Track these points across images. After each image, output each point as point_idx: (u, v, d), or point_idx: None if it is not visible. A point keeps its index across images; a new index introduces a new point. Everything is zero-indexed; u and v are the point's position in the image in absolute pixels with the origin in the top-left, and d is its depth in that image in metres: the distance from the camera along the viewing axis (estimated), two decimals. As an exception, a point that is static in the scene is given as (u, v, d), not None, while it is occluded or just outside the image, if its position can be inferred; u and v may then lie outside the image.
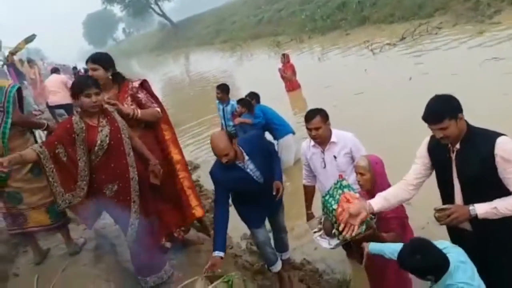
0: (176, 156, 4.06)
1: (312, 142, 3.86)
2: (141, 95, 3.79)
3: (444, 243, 2.66)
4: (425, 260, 2.43)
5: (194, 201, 4.07)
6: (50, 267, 3.65)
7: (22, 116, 3.54)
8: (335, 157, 3.79)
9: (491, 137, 2.59)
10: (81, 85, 3.25)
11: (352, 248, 3.89)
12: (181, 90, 22.37)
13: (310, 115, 3.72)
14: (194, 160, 9.02)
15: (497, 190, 2.60)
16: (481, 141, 2.60)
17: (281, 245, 4.30)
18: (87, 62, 3.71)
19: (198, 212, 4.09)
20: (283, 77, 12.28)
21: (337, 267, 4.48)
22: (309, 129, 3.74)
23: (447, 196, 2.93)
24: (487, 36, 11.33)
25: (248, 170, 3.61)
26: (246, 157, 3.60)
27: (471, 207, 2.63)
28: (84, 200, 3.34)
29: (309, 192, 4.10)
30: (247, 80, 15.49)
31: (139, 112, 3.68)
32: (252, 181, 3.64)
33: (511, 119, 5.41)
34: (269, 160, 3.80)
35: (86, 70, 15.76)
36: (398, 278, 3.38)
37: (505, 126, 3.20)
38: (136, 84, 3.82)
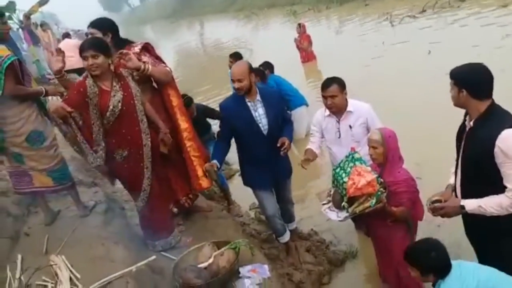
0: (183, 124, 3.93)
1: (327, 112, 3.78)
2: (145, 58, 3.67)
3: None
4: (438, 258, 2.51)
5: (201, 171, 3.92)
6: (61, 228, 3.70)
7: (16, 88, 3.43)
8: (350, 126, 3.73)
9: (501, 125, 2.47)
10: (80, 47, 3.22)
11: (361, 220, 3.88)
12: (195, 58, 22.19)
13: (327, 83, 3.66)
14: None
15: (493, 179, 2.54)
16: (492, 126, 2.50)
17: (288, 216, 4.30)
18: (87, 27, 3.68)
19: (204, 182, 3.94)
20: (298, 48, 12.07)
21: (344, 239, 4.49)
22: (324, 97, 3.67)
23: (456, 165, 2.90)
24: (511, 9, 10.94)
25: (255, 113, 3.64)
26: (258, 97, 3.65)
27: (461, 203, 2.67)
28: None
29: (310, 152, 3.82)
30: (261, 50, 15.29)
31: (149, 67, 3.56)
32: (255, 125, 3.64)
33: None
34: (280, 119, 3.79)
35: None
36: (402, 253, 3.36)
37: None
38: (137, 49, 3.70)
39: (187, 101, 4.42)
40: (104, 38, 3.57)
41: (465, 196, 2.72)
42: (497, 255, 2.72)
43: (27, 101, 3.55)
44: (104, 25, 3.67)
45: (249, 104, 3.64)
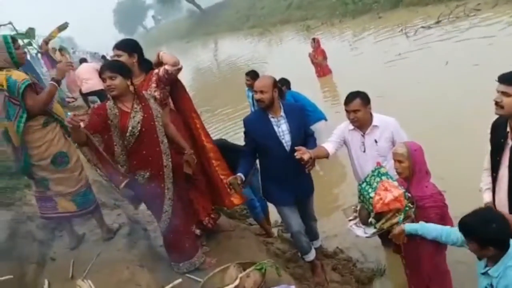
0: (208, 145, 4.04)
1: (351, 126, 3.74)
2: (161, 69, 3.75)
3: None
4: (500, 230, 2.33)
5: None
6: (85, 251, 3.72)
7: (36, 99, 3.48)
8: (376, 141, 3.67)
9: None
10: (100, 69, 3.29)
11: (388, 236, 3.79)
12: (209, 76, 22.38)
13: (350, 97, 3.62)
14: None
15: None
16: None
17: (312, 233, 4.22)
18: (113, 49, 3.72)
19: (236, 199, 4.05)
20: (313, 62, 12.08)
21: (371, 256, 4.40)
22: (347, 112, 3.64)
23: (493, 180, 2.83)
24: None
25: (279, 129, 3.62)
26: (282, 113, 3.64)
27: None
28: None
29: (320, 150, 3.70)
30: (276, 66, 15.32)
31: (161, 53, 3.75)
32: (278, 142, 3.61)
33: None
34: (303, 135, 3.76)
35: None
36: (435, 268, 3.28)
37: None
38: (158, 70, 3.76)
39: None
40: (130, 59, 3.64)
41: None
42: None
43: (50, 124, 3.61)
44: (129, 46, 3.71)
45: (272, 120, 3.62)
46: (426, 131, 5.97)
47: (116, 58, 3.63)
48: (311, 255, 4.01)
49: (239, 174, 3.62)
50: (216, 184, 4.02)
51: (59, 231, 4.13)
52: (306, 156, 3.32)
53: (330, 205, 5.61)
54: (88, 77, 11.11)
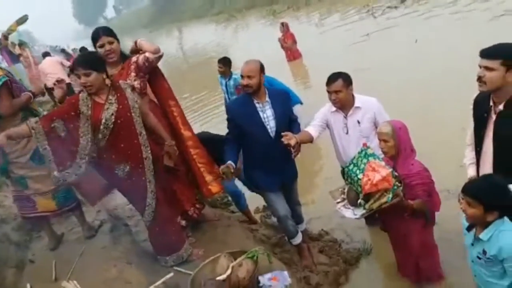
0: (186, 133, 3.91)
1: (333, 108, 3.71)
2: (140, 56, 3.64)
3: None
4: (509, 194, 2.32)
5: (209, 177, 3.91)
6: (67, 251, 3.58)
7: (12, 104, 3.40)
8: (358, 122, 3.66)
9: None
10: (73, 64, 3.14)
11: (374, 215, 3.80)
12: (176, 66, 22.02)
13: (332, 78, 3.58)
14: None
15: None
16: None
17: (296, 217, 4.18)
18: (98, 37, 3.49)
19: (214, 188, 3.93)
20: (283, 47, 12.02)
21: (356, 236, 4.41)
22: (329, 92, 3.60)
23: (477, 154, 2.85)
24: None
25: (264, 115, 3.55)
26: (267, 98, 3.56)
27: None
28: (85, 177, 3.23)
29: (304, 134, 3.64)
30: (245, 52, 15.18)
31: (139, 40, 3.62)
32: (263, 128, 3.55)
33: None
34: (288, 121, 3.72)
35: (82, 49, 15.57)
36: (423, 244, 3.32)
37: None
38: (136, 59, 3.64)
39: None
40: (119, 45, 3.56)
41: None
42: None
43: (29, 119, 3.45)
44: (114, 32, 3.57)
45: (257, 105, 3.55)
46: (401, 110, 6.02)
47: (108, 46, 3.47)
48: (298, 239, 3.99)
49: (229, 162, 3.52)
50: (194, 172, 3.92)
51: (36, 232, 3.96)
52: (293, 141, 3.28)
53: (311, 188, 5.60)
54: (52, 71, 10.72)
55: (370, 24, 12.83)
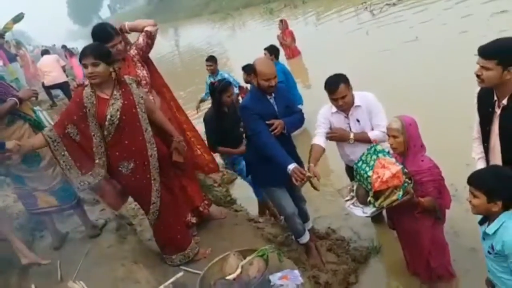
0: (181, 117, 4.05)
1: (334, 109, 3.66)
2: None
3: None
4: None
5: (209, 157, 4.20)
6: (71, 251, 3.52)
7: None
8: (358, 120, 3.62)
9: None
10: (81, 53, 3.02)
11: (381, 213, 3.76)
12: (172, 67, 21.93)
13: (333, 84, 3.48)
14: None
15: None
16: None
17: (302, 215, 4.13)
18: (112, 39, 3.44)
19: (214, 166, 4.24)
20: (282, 44, 11.93)
21: (363, 234, 4.36)
22: (335, 100, 3.52)
23: (485, 150, 2.84)
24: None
25: (276, 108, 3.59)
26: (273, 94, 3.58)
27: None
28: (107, 180, 3.19)
29: (317, 151, 3.57)
30: (242, 51, 15.13)
31: (126, 24, 3.66)
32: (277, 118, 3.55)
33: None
34: (291, 113, 3.73)
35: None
36: (434, 242, 3.27)
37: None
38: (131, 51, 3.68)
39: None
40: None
41: None
42: None
43: (16, 123, 3.39)
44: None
45: (271, 101, 3.57)
46: (406, 106, 6.00)
47: (119, 44, 3.47)
48: (306, 237, 3.95)
49: (294, 165, 3.28)
50: (193, 154, 4.03)
51: (39, 232, 3.89)
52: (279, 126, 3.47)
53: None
54: (50, 70, 10.67)
55: (369, 22, 12.78)
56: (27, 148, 3.04)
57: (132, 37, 3.83)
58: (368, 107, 3.60)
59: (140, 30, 3.66)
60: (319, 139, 3.67)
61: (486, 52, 2.48)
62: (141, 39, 3.61)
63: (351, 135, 3.61)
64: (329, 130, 3.73)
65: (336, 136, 3.68)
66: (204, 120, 4.53)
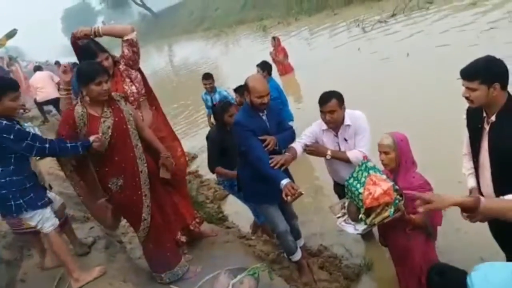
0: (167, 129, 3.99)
1: (324, 126, 3.66)
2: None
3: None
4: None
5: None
6: (59, 270, 3.44)
7: None
8: (345, 139, 3.63)
9: None
10: (93, 73, 3.02)
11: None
12: (166, 83, 22.00)
13: (326, 98, 3.50)
14: (190, 150, 8.77)
15: None
16: None
17: (294, 232, 4.09)
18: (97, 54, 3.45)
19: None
20: (275, 61, 12.02)
21: (355, 251, 4.34)
22: (323, 112, 3.54)
23: (475, 166, 2.84)
24: (480, 6, 11.19)
25: (268, 124, 3.54)
26: (265, 111, 3.54)
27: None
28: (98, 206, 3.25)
29: (293, 149, 3.62)
30: (235, 67, 15.20)
31: (100, 28, 3.60)
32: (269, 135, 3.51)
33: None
34: (283, 130, 3.69)
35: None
36: (426, 260, 3.24)
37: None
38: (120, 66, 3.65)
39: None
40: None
41: (501, 195, 2.59)
42: None
43: None
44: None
45: (263, 117, 3.52)
46: (395, 123, 6.02)
47: (105, 62, 3.43)
48: (298, 255, 3.90)
49: (287, 181, 3.26)
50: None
51: (27, 250, 3.82)
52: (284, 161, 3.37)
53: (304, 204, 5.53)
54: (42, 86, 10.63)
55: (361, 39, 12.92)
56: None
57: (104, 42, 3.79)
58: (355, 128, 3.60)
59: (115, 35, 3.61)
60: (296, 145, 3.70)
61: (467, 73, 2.51)
62: (126, 50, 3.56)
63: (329, 151, 3.61)
64: (311, 142, 3.73)
65: (314, 151, 3.68)
66: (207, 138, 4.51)
